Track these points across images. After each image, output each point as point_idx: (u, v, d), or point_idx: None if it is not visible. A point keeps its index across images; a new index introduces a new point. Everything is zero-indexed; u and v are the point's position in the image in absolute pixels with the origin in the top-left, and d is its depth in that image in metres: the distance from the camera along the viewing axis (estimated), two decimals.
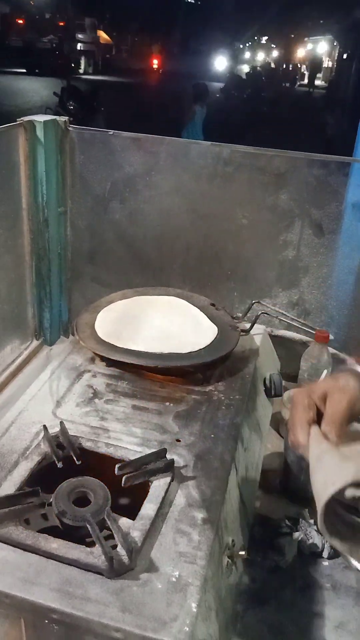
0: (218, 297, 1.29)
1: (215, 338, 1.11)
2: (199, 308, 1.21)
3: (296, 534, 0.98)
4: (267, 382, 1.15)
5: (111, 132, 1.31)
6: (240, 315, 1.25)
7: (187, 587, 0.68)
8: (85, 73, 15.90)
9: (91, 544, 0.71)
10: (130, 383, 1.04)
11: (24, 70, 13.71)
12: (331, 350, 1.22)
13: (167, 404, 0.99)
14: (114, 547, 0.70)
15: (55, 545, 0.70)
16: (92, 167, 1.35)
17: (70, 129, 1.29)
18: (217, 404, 1.00)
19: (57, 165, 1.26)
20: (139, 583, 0.68)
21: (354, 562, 0.65)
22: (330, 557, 0.96)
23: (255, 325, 1.23)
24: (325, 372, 1.18)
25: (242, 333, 1.17)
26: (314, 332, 1.25)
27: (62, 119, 1.27)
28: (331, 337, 1.21)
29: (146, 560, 0.70)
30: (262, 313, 1.25)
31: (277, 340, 1.33)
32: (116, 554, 0.69)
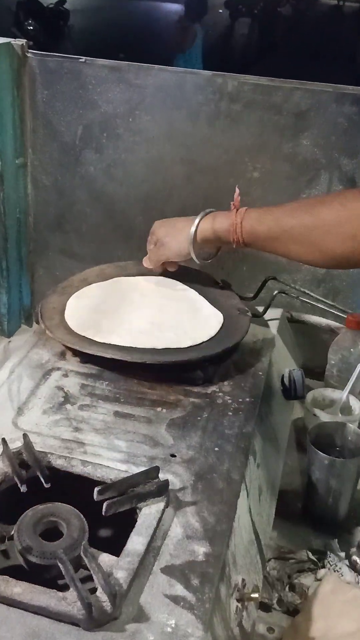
0: (222, 273, 1.29)
1: (220, 327, 1.11)
2: (198, 287, 1.21)
3: (322, 572, 0.99)
4: (286, 380, 1.16)
5: (83, 59, 1.30)
6: (251, 295, 1.25)
7: (186, 639, 0.69)
8: None
9: (64, 587, 0.71)
10: (111, 384, 1.04)
11: None
12: None
13: (159, 409, 0.99)
14: (93, 590, 0.71)
15: (19, 589, 0.70)
16: (58, 105, 1.34)
17: (29, 55, 1.28)
18: (222, 408, 1.00)
19: (12, 104, 1.25)
20: (125, 635, 0.68)
21: None
22: None
23: (271, 308, 1.23)
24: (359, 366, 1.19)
25: (253, 318, 1.18)
26: (344, 316, 1.25)
27: (19, 42, 1.25)
28: None
29: (134, 607, 0.71)
30: (279, 292, 1.25)
31: (298, 326, 1.33)
32: (96, 600, 0.69)
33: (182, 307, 1.16)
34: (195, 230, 1.08)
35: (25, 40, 1.28)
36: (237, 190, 1.07)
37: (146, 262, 1.20)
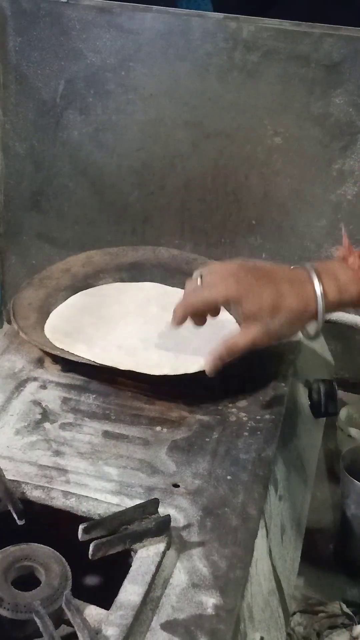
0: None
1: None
2: None
3: (358, 628, 0.99)
4: (314, 393, 1.16)
5: None
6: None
7: None
8: None
9: None
10: (99, 397, 1.04)
11: None
12: None
13: (158, 428, 0.99)
14: None
15: None
16: (35, 56, 1.34)
17: None
18: (237, 428, 1.00)
19: None
20: None
21: None
22: None
23: None
24: None
25: None
26: None
27: None
28: None
29: None
30: None
31: (329, 327, 1.33)
32: None
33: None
34: (323, 290, 0.92)
35: None
36: (345, 232, 0.97)
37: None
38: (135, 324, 1.14)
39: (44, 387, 1.05)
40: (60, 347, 1.07)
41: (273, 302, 0.91)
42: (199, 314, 0.98)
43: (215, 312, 0.99)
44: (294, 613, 1.00)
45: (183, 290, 1.03)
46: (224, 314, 1.09)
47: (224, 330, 1.04)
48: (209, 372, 0.97)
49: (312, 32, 1.23)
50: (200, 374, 1.00)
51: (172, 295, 1.12)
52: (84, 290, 1.21)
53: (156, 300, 1.20)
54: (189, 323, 1.00)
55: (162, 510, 0.84)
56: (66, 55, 1.33)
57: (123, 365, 1.03)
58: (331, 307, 0.93)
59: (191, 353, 1.06)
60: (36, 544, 0.81)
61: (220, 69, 1.29)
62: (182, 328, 1.02)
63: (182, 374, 1.03)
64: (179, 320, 0.98)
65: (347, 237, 0.96)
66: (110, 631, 0.73)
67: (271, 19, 1.25)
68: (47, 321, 1.14)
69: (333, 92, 1.25)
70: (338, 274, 0.93)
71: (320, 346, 1.30)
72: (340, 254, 0.95)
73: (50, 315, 1.15)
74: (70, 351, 1.06)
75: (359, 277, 0.92)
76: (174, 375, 1.03)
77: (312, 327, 0.97)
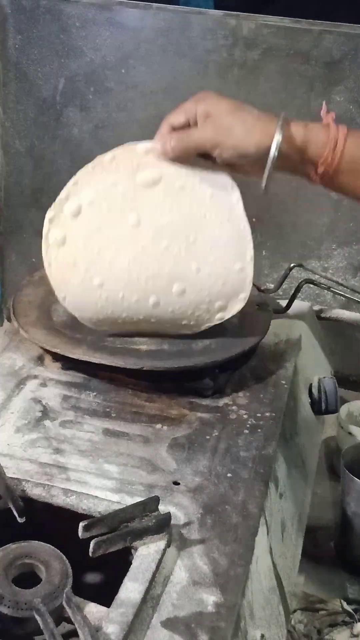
0: None
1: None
2: None
3: (359, 626, 0.99)
4: (315, 390, 1.16)
5: None
6: (272, 286, 1.25)
7: None
8: None
9: None
10: (100, 395, 1.04)
11: None
12: None
13: (159, 426, 0.99)
14: None
15: None
16: (35, 53, 1.34)
17: None
18: (237, 426, 1.00)
19: None
20: None
21: None
22: None
23: (296, 301, 1.23)
24: None
25: (275, 314, 1.17)
26: None
27: None
28: None
29: None
30: (306, 283, 1.25)
31: (330, 324, 1.33)
32: None
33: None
34: (284, 126, 0.90)
35: None
36: (325, 106, 0.93)
37: (165, 144, 0.97)
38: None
39: (44, 384, 1.05)
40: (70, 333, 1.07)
41: (234, 109, 0.93)
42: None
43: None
44: (295, 611, 1.00)
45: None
46: None
47: None
48: (162, 152, 0.97)
49: (312, 29, 1.23)
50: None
51: None
52: None
53: None
54: None
55: (162, 508, 0.84)
56: (66, 53, 1.33)
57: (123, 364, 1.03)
58: (290, 137, 0.91)
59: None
60: (37, 541, 0.81)
61: (220, 66, 1.29)
62: None
63: (184, 367, 1.03)
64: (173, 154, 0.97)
65: (326, 109, 0.93)
66: (111, 629, 0.73)
67: (271, 16, 1.25)
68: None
69: (333, 89, 1.25)
70: (312, 128, 0.92)
71: (321, 344, 1.30)
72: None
73: None
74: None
75: (331, 130, 0.90)
76: (177, 367, 1.03)
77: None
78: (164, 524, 0.82)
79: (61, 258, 1.03)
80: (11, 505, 0.83)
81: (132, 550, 0.81)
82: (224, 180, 1.00)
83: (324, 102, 0.93)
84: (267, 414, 1.02)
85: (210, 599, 0.78)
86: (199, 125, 0.94)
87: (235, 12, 1.26)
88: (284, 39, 1.25)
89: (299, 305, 1.25)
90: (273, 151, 0.89)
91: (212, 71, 1.29)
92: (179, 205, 1.01)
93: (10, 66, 1.34)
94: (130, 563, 0.79)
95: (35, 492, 0.87)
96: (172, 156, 0.97)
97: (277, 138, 0.89)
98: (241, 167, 0.96)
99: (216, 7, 1.54)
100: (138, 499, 0.84)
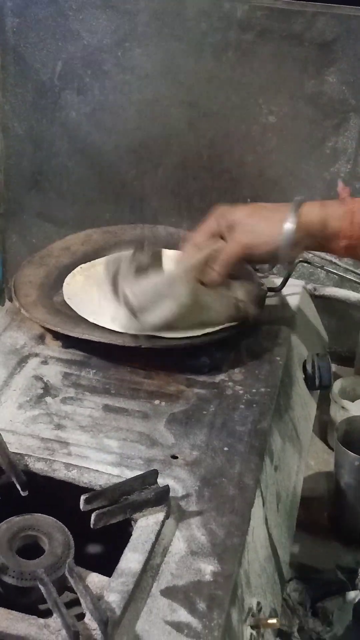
0: None
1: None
2: None
3: (352, 594, 1.00)
4: (309, 367, 1.16)
5: None
6: (266, 266, 1.25)
7: None
8: None
9: (46, 612, 0.72)
10: (99, 372, 1.04)
11: None
12: None
13: (157, 402, 1.00)
14: (81, 617, 0.71)
15: None
16: (32, 37, 1.33)
17: None
18: (233, 401, 1.01)
19: None
20: None
21: None
22: None
23: (290, 280, 1.23)
24: None
25: (269, 293, 1.17)
26: None
27: None
28: None
29: (129, 637, 0.72)
30: (301, 261, 1.25)
31: (323, 302, 1.33)
32: (84, 628, 0.70)
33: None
34: (298, 213, 0.94)
35: None
36: (341, 183, 0.98)
37: (211, 274, 1.01)
38: None
39: (45, 362, 1.05)
40: (69, 312, 1.08)
41: (252, 211, 0.98)
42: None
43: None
44: (290, 579, 1.01)
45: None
46: None
47: None
48: (211, 282, 1.00)
49: (305, 10, 1.22)
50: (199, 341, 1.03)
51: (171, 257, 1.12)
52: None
53: None
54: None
55: (161, 481, 0.84)
56: (63, 36, 1.32)
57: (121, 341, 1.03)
58: (308, 220, 0.94)
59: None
60: (39, 514, 0.81)
61: (215, 48, 1.27)
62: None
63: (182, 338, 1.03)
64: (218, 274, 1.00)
65: (343, 186, 0.96)
66: (112, 597, 0.73)
67: None
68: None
69: (326, 70, 1.24)
70: (324, 202, 0.95)
71: (315, 321, 1.30)
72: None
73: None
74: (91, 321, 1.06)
75: (347, 203, 0.93)
76: (174, 345, 1.03)
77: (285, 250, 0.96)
78: (162, 497, 0.82)
79: None
80: (14, 479, 0.83)
81: (132, 522, 0.81)
82: None
83: (339, 180, 0.97)
84: (262, 390, 1.03)
85: (208, 568, 0.78)
86: (228, 240, 0.98)
87: None
88: (277, 21, 1.23)
89: (293, 284, 1.25)
90: (286, 235, 0.93)
91: (207, 54, 1.28)
92: None
93: (8, 49, 1.33)
94: (130, 534, 0.80)
95: (37, 467, 0.87)
96: (221, 281, 1.01)
97: (289, 226, 0.93)
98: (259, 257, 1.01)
99: None
100: (137, 473, 0.85)
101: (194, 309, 1.02)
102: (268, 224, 0.95)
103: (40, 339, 1.09)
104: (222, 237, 0.99)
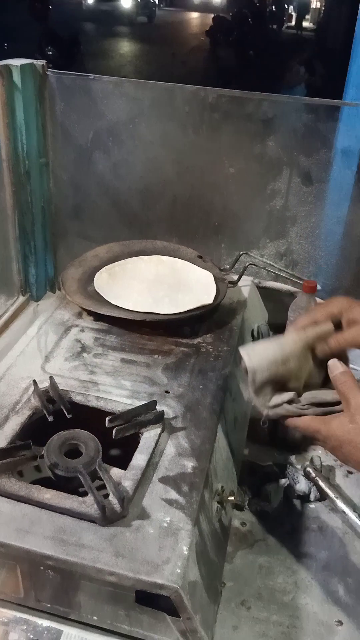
0: (206, 249, 1.27)
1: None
2: (186, 260, 1.20)
3: (283, 481, 1.00)
4: (255, 333, 1.16)
5: (92, 76, 1.25)
6: (228, 267, 1.24)
7: (178, 531, 0.70)
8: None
9: (83, 493, 0.72)
10: (118, 337, 1.03)
11: None
12: (319, 300, 1.22)
13: (156, 356, 0.99)
14: (106, 496, 0.72)
15: (49, 495, 0.71)
16: (73, 115, 1.30)
17: (49, 74, 1.23)
18: (206, 355, 1.00)
19: (36, 114, 1.21)
20: (131, 529, 0.69)
21: None
22: (316, 500, 1.00)
23: (243, 276, 1.22)
24: None
25: (229, 285, 1.17)
26: (301, 282, 1.24)
27: (40, 62, 1.21)
28: (319, 287, 1.21)
29: (138, 508, 0.72)
30: (250, 264, 1.24)
31: (264, 291, 1.33)
32: (108, 503, 0.70)
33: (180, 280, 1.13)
34: None
35: (45, 61, 1.24)
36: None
37: (331, 341, 0.76)
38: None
39: (82, 330, 1.04)
40: (97, 297, 1.07)
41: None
42: None
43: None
44: (242, 472, 1.01)
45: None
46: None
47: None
48: (323, 354, 0.77)
49: (254, 98, 1.20)
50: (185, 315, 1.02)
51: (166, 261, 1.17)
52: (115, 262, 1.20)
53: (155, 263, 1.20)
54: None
55: (158, 408, 0.84)
56: (93, 115, 1.29)
57: (132, 316, 1.02)
58: None
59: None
60: (79, 429, 0.81)
61: (195, 124, 1.25)
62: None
63: (176, 314, 1.03)
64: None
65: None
66: (127, 483, 0.74)
67: (227, 89, 1.22)
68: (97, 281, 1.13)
69: (267, 138, 1.22)
70: None
71: (259, 303, 1.30)
72: None
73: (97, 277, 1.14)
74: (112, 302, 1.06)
75: None
76: (167, 319, 1.02)
77: None
78: (159, 418, 0.83)
79: None
80: (62, 407, 0.83)
81: (140, 434, 0.81)
82: None
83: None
84: (225, 348, 1.03)
85: (189, 464, 0.79)
86: (350, 329, 0.76)
87: (203, 87, 1.22)
88: (236, 105, 1.21)
89: (245, 279, 1.24)
90: None
91: (190, 128, 1.26)
92: None
93: (56, 123, 1.29)
94: (139, 442, 0.80)
95: (77, 399, 0.87)
96: (336, 352, 0.76)
97: None
98: None
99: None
100: (143, 402, 0.85)
101: (302, 370, 0.78)
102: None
103: (79, 315, 1.08)
104: (332, 321, 0.77)
